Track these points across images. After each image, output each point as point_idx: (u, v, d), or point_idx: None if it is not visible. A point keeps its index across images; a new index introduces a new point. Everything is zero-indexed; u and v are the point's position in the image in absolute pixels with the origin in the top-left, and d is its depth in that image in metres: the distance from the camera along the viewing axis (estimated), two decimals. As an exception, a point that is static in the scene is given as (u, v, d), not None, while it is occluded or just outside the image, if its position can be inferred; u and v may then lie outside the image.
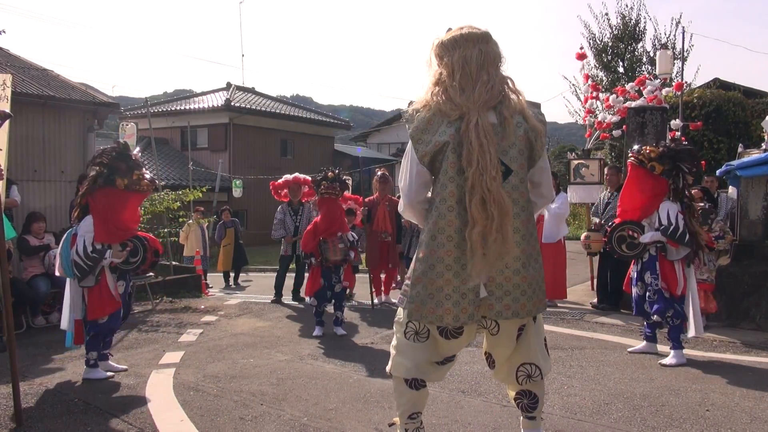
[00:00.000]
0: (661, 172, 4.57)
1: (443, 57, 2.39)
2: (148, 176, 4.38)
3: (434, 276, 2.32)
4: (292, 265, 8.34)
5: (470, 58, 2.33)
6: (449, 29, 2.47)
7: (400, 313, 2.53)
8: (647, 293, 4.76)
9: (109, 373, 4.41)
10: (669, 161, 4.56)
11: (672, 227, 4.54)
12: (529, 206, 2.41)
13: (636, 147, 4.85)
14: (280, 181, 8.19)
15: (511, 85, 2.40)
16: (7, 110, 4.22)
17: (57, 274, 4.42)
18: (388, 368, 2.57)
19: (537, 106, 2.50)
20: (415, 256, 2.45)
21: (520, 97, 2.40)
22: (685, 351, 4.77)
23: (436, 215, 2.33)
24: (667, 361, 4.58)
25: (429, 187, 2.43)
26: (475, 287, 2.31)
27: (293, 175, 8.17)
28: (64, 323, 4.35)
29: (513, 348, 2.51)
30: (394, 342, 2.57)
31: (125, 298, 4.48)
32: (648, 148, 4.69)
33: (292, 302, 7.98)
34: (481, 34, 2.39)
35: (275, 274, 8.38)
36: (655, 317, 4.70)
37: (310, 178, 8.24)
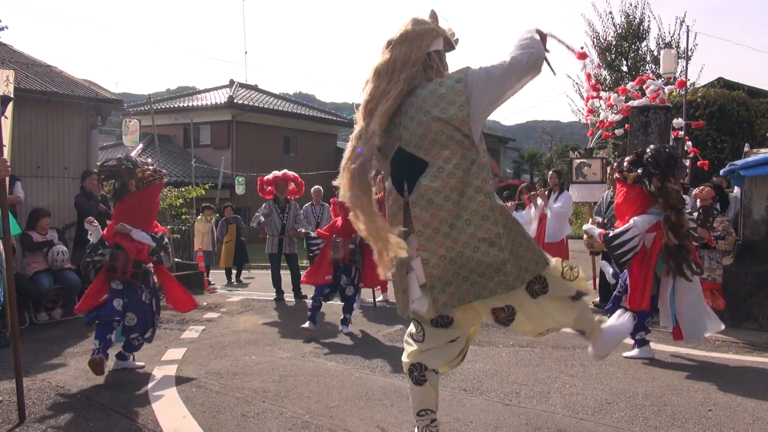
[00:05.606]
0: (633, 180, 4.61)
1: None
2: (150, 168, 4.48)
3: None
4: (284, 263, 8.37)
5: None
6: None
7: None
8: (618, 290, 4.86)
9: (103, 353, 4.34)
10: (636, 168, 4.60)
11: (616, 237, 4.50)
12: (456, 193, 2.32)
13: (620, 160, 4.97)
14: (268, 177, 8.20)
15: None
16: (11, 95, 4.25)
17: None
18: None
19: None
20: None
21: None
22: (687, 351, 4.77)
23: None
24: (627, 353, 4.70)
25: None
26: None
27: (282, 172, 8.18)
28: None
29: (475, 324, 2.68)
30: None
31: (140, 303, 4.47)
32: (627, 159, 4.77)
33: (294, 299, 7.99)
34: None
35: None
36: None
37: (298, 176, 8.28)
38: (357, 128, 2.44)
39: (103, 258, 4.37)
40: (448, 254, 2.30)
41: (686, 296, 4.56)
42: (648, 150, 4.67)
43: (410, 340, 2.62)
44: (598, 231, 4.95)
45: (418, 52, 2.39)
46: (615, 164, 4.89)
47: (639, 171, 4.57)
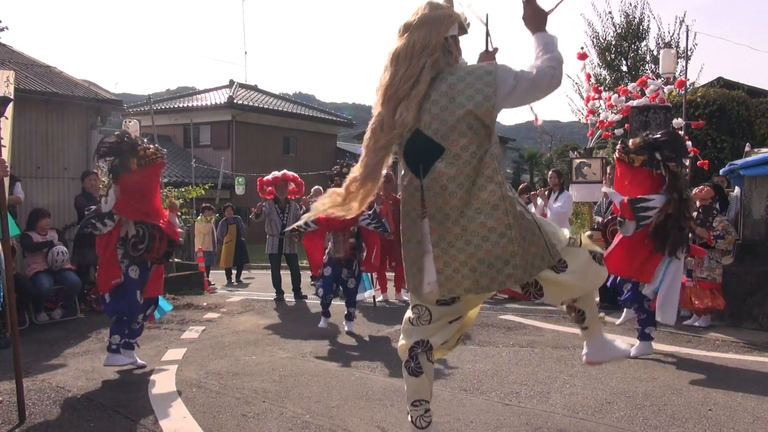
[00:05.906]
0: (642, 163, 4.54)
1: None
2: (151, 147, 4.41)
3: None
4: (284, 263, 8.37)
5: None
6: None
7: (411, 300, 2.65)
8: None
9: (128, 360, 4.44)
10: (646, 151, 4.53)
11: (641, 200, 4.44)
12: (469, 181, 2.34)
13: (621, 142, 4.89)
14: (268, 177, 8.20)
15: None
16: (11, 96, 4.25)
17: None
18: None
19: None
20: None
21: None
22: (688, 350, 4.77)
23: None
24: (631, 351, 4.68)
25: None
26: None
27: (282, 172, 8.19)
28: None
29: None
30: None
31: (140, 285, 4.45)
32: (632, 141, 4.69)
33: (294, 300, 8.00)
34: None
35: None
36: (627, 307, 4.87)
37: (297, 176, 8.30)
38: (375, 115, 2.43)
39: (104, 228, 4.27)
40: (457, 242, 2.33)
41: (670, 278, 4.58)
42: (660, 135, 4.59)
43: (411, 327, 2.59)
44: (620, 198, 4.67)
45: (437, 38, 2.38)
46: (620, 145, 4.77)
47: (657, 155, 4.48)
